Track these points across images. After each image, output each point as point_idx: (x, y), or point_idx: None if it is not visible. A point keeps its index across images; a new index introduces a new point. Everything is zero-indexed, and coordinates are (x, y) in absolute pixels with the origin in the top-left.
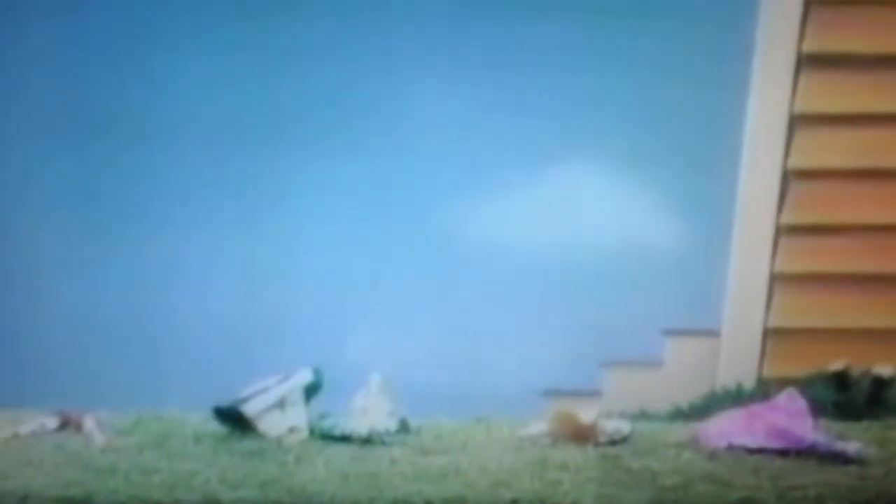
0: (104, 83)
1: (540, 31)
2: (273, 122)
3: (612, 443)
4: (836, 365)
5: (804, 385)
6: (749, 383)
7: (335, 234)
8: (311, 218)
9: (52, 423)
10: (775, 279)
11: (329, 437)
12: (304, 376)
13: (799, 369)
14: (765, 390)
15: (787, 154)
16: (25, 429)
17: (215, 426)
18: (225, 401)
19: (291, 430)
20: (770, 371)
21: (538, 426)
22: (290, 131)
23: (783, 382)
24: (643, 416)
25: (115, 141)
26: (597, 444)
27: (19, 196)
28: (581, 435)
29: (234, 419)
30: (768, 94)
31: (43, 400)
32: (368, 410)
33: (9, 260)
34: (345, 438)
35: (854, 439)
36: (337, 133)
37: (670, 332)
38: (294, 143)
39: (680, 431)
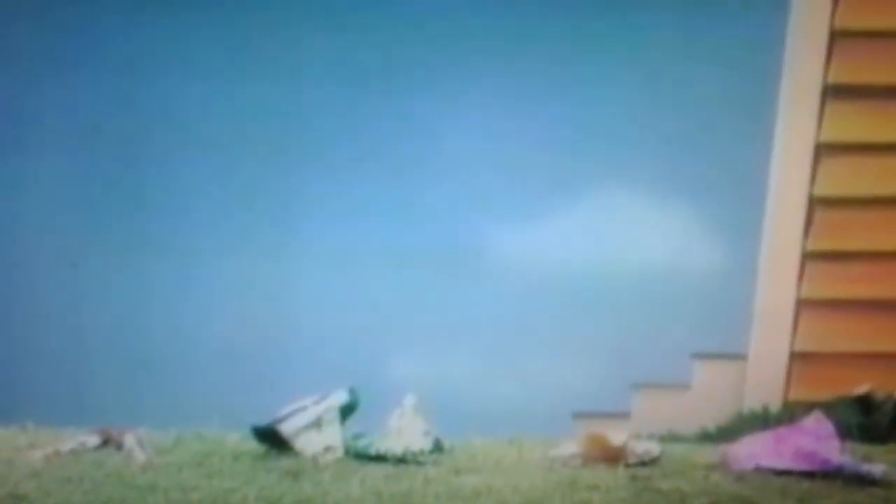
0: (109, 103)
1: (570, 58)
2: (298, 141)
3: (642, 464)
4: (861, 389)
5: (829, 408)
6: (775, 406)
7: (363, 254)
8: (338, 237)
9: (92, 440)
10: (801, 304)
11: (364, 457)
12: (340, 396)
13: (824, 393)
14: (790, 413)
15: (813, 182)
16: (66, 446)
17: (253, 445)
18: (259, 421)
19: (327, 449)
20: (796, 394)
21: (569, 447)
22: (315, 151)
23: (808, 406)
24: (671, 437)
25: (120, 160)
26: (627, 466)
27: (24, 213)
28: (611, 456)
29: (272, 438)
30: (795, 123)
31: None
32: (403, 430)
33: (12, 277)
34: (379, 458)
35: (879, 462)
36: (367, 152)
37: (698, 356)
38: (325, 163)
39: (708, 453)
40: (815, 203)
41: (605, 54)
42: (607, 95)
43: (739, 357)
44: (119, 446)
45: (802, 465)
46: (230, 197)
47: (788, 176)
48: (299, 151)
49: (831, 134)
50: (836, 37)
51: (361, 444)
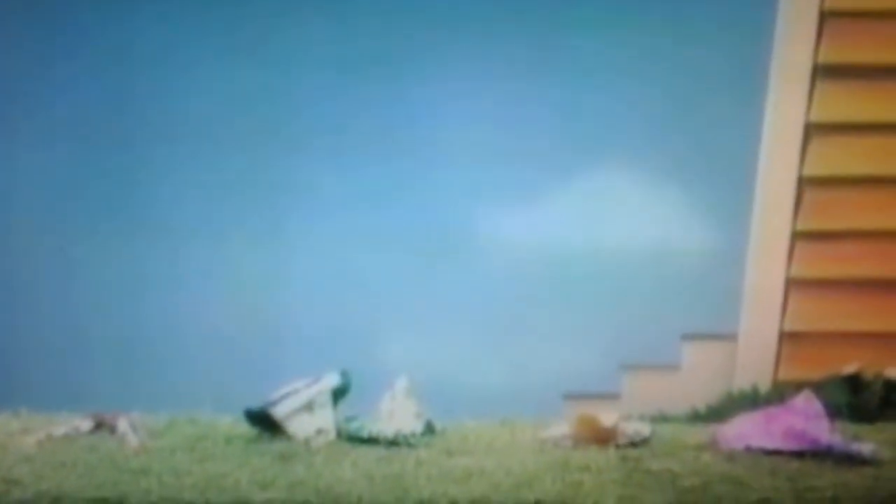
0: (100, 90)
1: (563, 42)
2: (289, 126)
3: (633, 445)
4: (850, 368)
5: (818, 388)
6: (765, 386)
7: (356, 238)
8: (331, 222)
9: (85, 425)
10: (790, 284)
11: (356, 439)
12: (332, 379)
13: (813, 373)
14: (780, 393)
15: (802, 162)
16: (59, 431)
17: (246, 428)
18: (251, 404)
19: (319, 432)
20: (785, 374)
21: (560, 428)
22: (307, 136)
23: (798, 385)
24: (661, 418)
25: (112, 147)
26: (617, 446)
27: (16, 201)
28: (602, 437)
29: (264, 421)
30: (784, 103)
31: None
32: (394, 413)
33: (3, 264)
34: (371, 440)
35: (868, 441)
36: (354, 139)
37: (688, 336)
38: (317, 148)
39: (698, 434)
40: (805, 183)
41: (594, 37)
42: (596, 78)
43: (729, 337)
44: (112, 430)
45: (792, 445)
46: (222, 183)
47: (778, 156)
48: (291, 138)
49: (821, 114)
50: (826, 17)
51: (353, 426)
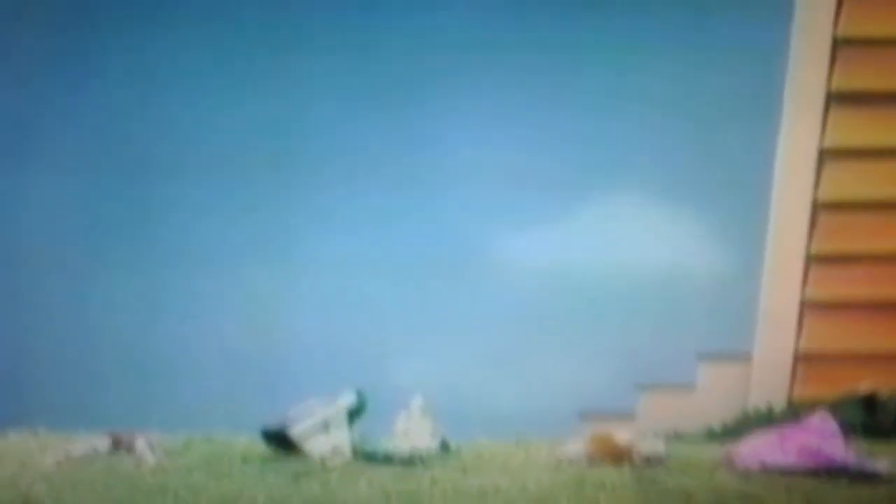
0: (114, 118)
1: (576, 67)
2: (302, 152)
3: (648, 463)
4: (865, 388)
5: (833, 407)
6: (779, 406)
7: (370, 261)
8: (345, 245)
9: (103, 444)
10: (805, 305)
11: (372, 458)
12: (348, 399)
13: (828, 392)
14: (795, 412)
15: (816, 186)
16: (77, 450)
17: (262, 447)
18: (271, 424)
19: (335, 451)
20: (800, 394)
21: (575, 447)
22: (320, 161)
23: (813, 405)
24: (676, 437)
25: (126, 173)
26: (633, 465)
27: (32, 227)
28: (617, 455)
29: (281, 441)
30: (799, 128)
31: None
32: (410, 432)
33: (22, 288)
34: (387, 459)
35: (883, 459)
36: (368, 163)
37: (703, 356)
38: (329, 173)
39: (713, 452)
40: (819, 207)
41: (609, 61)
42: (612, 102)
43: (744, 357)
44: (130, 449)
45: (807, 463)
46: (235, 208)
47: (792, 180)
48: (302, 163)
49: (834, 139)
50: (839, 44)
51: (369, 445)
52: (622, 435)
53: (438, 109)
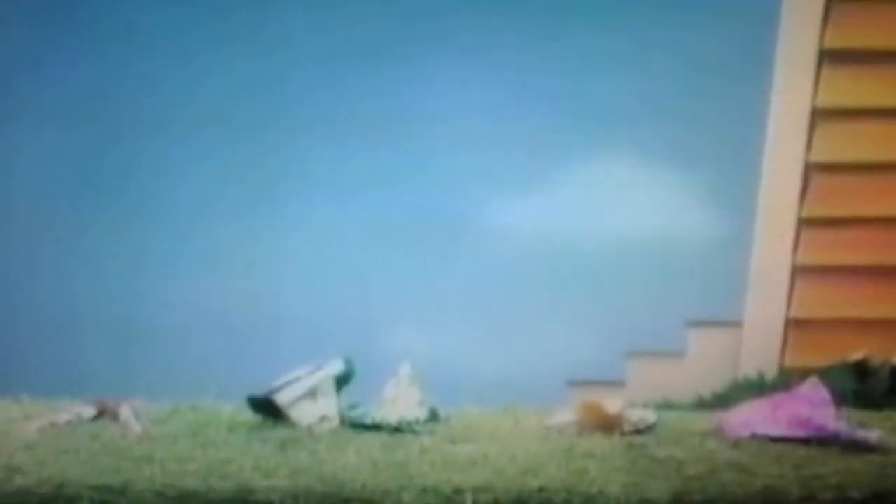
0: (97, 78)
1: (564, 28)
2: (288, 112)
3: (638, 432)
4: (856, 355)
5: (824, 375)
6: (771, 373)
7: (357, 226)
8: (331, 209)
9: (88, 412)
10: (797, 271)
11: (359, 427)
12: (336, 366)
13: (820, 359)
14: (786, 380)
15: (809, 147)
16: (61, 418)
17: (249, 415)
18: (254, 392)
19: (322, 419)
20: (791, 361)
21: (564, 415)
22: (307, 122)
23: (804, 372)
24: (666, 405)
25: (109, 134)
26: (622, 434)
27: (13, 189)
28: (607, 424)
29: (267, 408)
30: (791, 88)
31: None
32: (398, 400)
33: (7, 253)
34: (375, 427)
35: (875, 428)
36: (356, 124)
37: (693, 323)
38: (315, 135)
39: (704, 421)
40: (811, 169)
41: (594, 23)
42: (597, 64)
43: (734, 324)
44: (115, 417)
45: (798, 432)
46: (221, 170)
47: (784, 142)
48: (288, 125)
49: (827, 99)
50: (832, 2)
51: (357, 413)
52: (612, 403)
53: (425, 71)
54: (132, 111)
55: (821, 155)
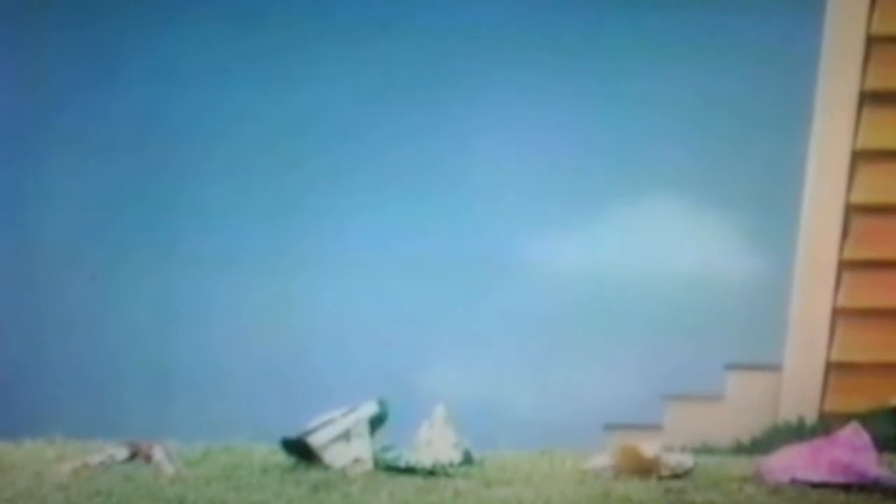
0: (135, 117)
1: (605, 72)
2: (326, 153)
3: (675, 476)
4: None
5: (865, 420)
6: (811, 418)
7: (394, 267)
8: (368, 251)
9: (121, 453)
10: (837, 314)
11: (393, 469)
12: (370, 408)
13: (861, 404)
14: (826, 425)
15: (849, 189)
16: (94, 459)
17: (282, 457)
18: (288, 433)
19: (356, 461)
20: (832, 405)
21: (601, 459)
22: (345, 162)
23: (845, 417)
24: (704, 449)
25: (147, 173)
26: (660, 478)
27: (49, 229)
28: (644, 468)
29: (301, 450)
30: (831, 130)
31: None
32: (433, 442)
33: (39, 290)
34: (409, 470)
35: None
36: (396, 165)
37: (732, 366)
38: (356, 178)
39: (743, 465)
40: (852, 211)
41: (638, 66)
42: (640, 106)
43: (774, 368)
44: (148, 459)
45: (839, 478)
46: (258, 210)
47: (825, 183)
48: (327, 165)
49: (868, 141)
50: (873, 43)
51: (391, 456)
52: (649, 447)
53: (466, 112)
54: (169, 152)
55: (862, 196)
